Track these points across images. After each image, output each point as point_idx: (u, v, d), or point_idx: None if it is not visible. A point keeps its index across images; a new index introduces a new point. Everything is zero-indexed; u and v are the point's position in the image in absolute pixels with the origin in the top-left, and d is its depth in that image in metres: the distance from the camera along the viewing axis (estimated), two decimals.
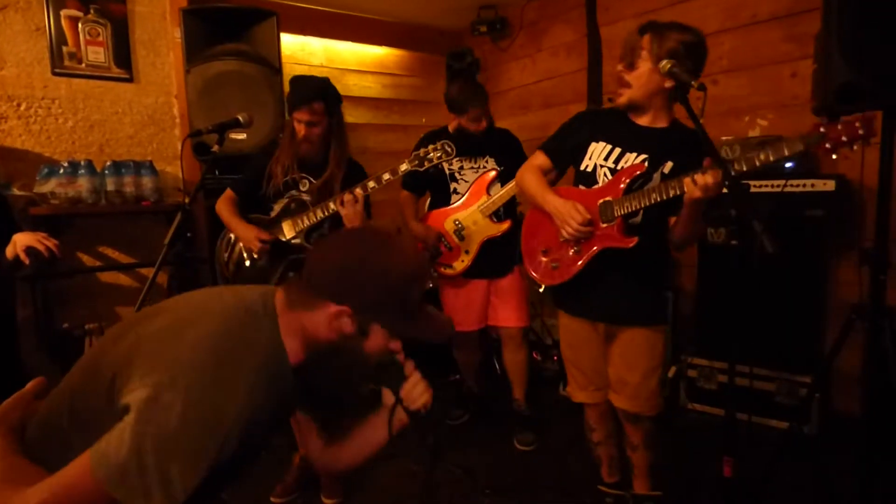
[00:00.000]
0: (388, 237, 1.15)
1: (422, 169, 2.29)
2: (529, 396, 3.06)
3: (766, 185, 2.67)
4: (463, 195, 2.91)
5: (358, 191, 2.22)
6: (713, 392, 2.92)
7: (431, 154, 2.27)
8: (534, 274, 2.10)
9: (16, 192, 2.88)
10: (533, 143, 3.56)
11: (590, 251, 1.92)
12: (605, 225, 1.89)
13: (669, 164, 1.88)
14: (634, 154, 1.90)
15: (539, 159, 2.11)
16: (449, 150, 2.27)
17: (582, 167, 2.00)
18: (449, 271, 2.92)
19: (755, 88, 3.08)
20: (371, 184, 2.24)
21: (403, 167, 2.26)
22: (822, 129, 1.54)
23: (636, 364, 1.97)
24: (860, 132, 1.51)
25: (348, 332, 1.08)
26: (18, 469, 0.99)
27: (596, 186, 1.95)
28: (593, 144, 1.98)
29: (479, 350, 3.25)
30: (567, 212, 1.90)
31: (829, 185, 2.56)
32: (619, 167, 1.91)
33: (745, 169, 1.64)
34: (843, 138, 1.52)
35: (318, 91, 2.32)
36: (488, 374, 3.58)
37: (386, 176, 2.24)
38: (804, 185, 2.60)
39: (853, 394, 2.62)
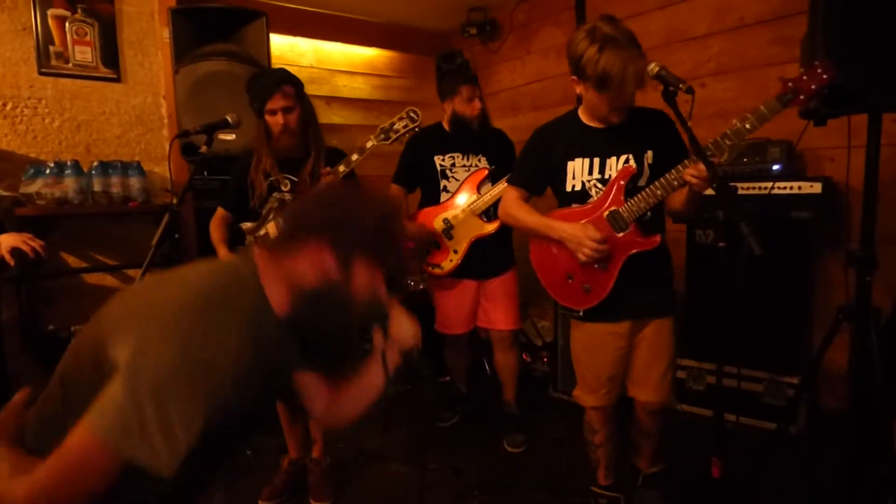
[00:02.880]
0: (359, 185, 1.21)
1: (388, 142, 2.23)
2: (519, 398, 3.06)
3: (754, 188, 2.69)
4: (453, 193, 2.90)
5: (329, 178, 2.17)
6: (701, 393, 2.94)
7: (397, 124, 2.22)
8: (565, 303, 2.05)
9: (1, 192, 2.85)
10: (523, 145, 3.57)
11: (617, 263, 1.92)
12: (620, 234, 1.90)
13: (650, 153, 1.91)
14: (615, 158, 1.92)
15: (513, 193, 2.11)
16: (414, 115, 2.22)
17: (568, 188, 2.00)
18: (437, 271, 2.91)
19: (742, 91, 3.10)
20: (341, 168, 2.20)
21: (370, 143, 2.21)
22: (790, 85, 1.62)
23: (662, 354, 2.02)
24: (824, 76, 1.58)
25: (332, 273, 1.07)
26: (26, 464, 0.97)
27: (592, 200, 1.96)
28: (570, 164, 1.98)
29: (468, 352, 3.25)
30: (580, 234, 1.88)
31: (816, 187, 2.58)
32: (606, 175, 1.93)
33: (735, 141, 1.68)
34: (813, 86, 1.59)
35: (283, 75, 2.29)
36: (478, 376, 3.58)
37: (354, 156, 2.19)
38: (791, 188, 2.62)
39: (840, 394, 2.64)
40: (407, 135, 2.25)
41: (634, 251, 1.90)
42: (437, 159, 2.91)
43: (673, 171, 1.77)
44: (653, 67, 1.67)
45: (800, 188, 2.61)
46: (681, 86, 1.61)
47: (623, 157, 1.91)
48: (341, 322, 1.14)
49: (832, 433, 2.54)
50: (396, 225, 1.15)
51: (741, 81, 3.11)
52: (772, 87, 2.91)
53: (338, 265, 1.07)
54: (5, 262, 1.99)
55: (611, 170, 1.92)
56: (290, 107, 2.24)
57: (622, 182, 1.89)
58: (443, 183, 2.92)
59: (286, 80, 2.25)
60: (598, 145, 1.94)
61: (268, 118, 2.26)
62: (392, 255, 1.13)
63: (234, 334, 0.97)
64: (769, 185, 2.63)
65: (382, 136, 2.21)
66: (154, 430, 0.88)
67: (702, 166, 1.64)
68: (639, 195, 1.85)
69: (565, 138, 2.00)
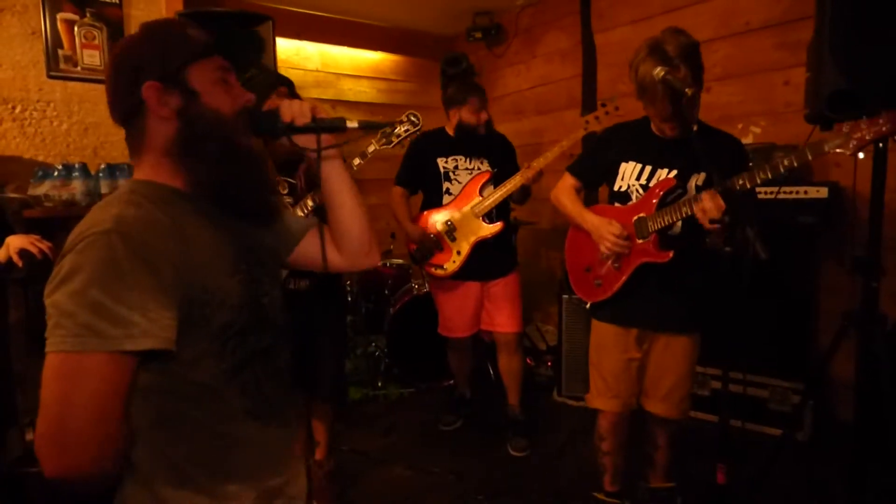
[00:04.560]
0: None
1: (391, 146, 2.21)
2: (523, 402, 3.06)
3: (760, 192, 2.67)
4: (455, 196, 2.91)
5: None
6: (706, 398, 2.93)
7: (398, 128, 2.21)
8: (578, 292, 2.16)
9: (10, 194, 2.87)
10: (527, 148, 3.59)
11: (630, 267, 1.97)
12: (640, 241, 1.94)
13: (702, 176, 1.91)
14: (666, 171, 1.94)
15: (569, 180, 2.18)
16: (415, 119, 2.21)
17: (616, 188, 2.05)
18: (440, 272, 2.92)
19: (748, 96, 3.10)
20: None
21: (371, 148, 2.20)
22: (844, 130, 1.56)
23: (670, 369, 2.03)
24: (883, 128, 1.52)
25: (173, 101, 0.97)
26: None
27: (630, 203, 2.00)
28: (623, 165, 2.02)
29: (472, 355, 3.24)
30: (604, 228, 1.98)
31: (822, 192, 2.57)
32: (650, 184, 1.96)
33: (769, 176, 1.66)
34: (868, 137, 1.54)
35: (275, 77, 2.30)
36: (482, 380, 3.58)
37: (356, 161, 2.19)
38: (797, 192, 2.61)
39: (846, 400, 2.63)
40: (408, 139, 2.26)
41: (646, 260, 1.94)
42: (440, 161, 2.92)
43: (705, 192, 1.76)
44: (658, 72, 1.67)
45: (806, 193, 2.60)
46: (686, 90, 1.61)
47: (673, 172, 1.93)
48: (232, 141, 1.02)
49: (838, 440, 2.53)
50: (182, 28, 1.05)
51: (746, 86, 3.10)
52: (777, 92, 2.96)
53: (174, 91, 0.97)
54: (13, 264, 2.00)
55: (657, 180, 1.96)
56: None
57: (659, 192, 1.92)
58: (445, 185, 2.93)
59: (280, 82, 2.26)
60: (653, 154, 1.97)
61: None
62: (203, 50, 1.01)
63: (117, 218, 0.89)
64: (775, 189, 2.62)
65: (384, 140, 2.21)
66: (112, 308, 0.81)
67: (706, 201, 1.67)
68: (666, 208, 1.87)
69: (628, 140, 2.04)
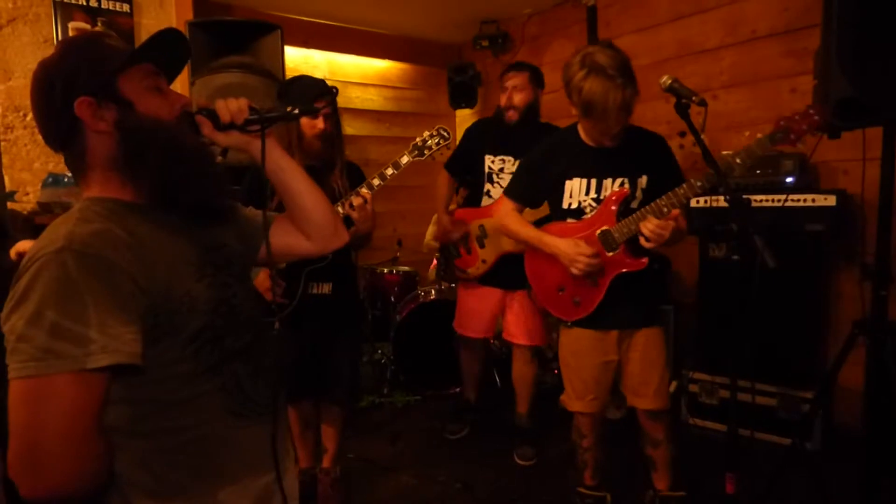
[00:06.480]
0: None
1: (423, 157, 2.26)
2: (532, 411, 3.03)
3: (767, 200, 2.67)
4: (494, 200, 2.84)
5: (364, 191, 2.17)
6: (715, 407, 2.91)
7: (429, 141, 2.26)
8: (555, 313, 2.12)
9: (20, 201, 2.89)
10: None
11: (606, 280, 1.98)
12: (610, 254, 1.95)
13: (644, 178, 1.98)
14: (610, 179, 1.98)
15: (509, 205, 2.18)
16: (445, 134, 2.26)
17: (565, 205, 2.05)
18: (464, 276, 2.91)
19: (754, 103, 3.10)
20: (376, 181, 2.19)
21: (404, 159, 2.23)
22: (782, 124, 1.69)
23: (656, 361, 2.05)
24: (815, 117, 1.65)
25: (109, 114, 0.95)
26: None
27: (586, 217, 2.01)
28: (568, 183, 2.03)
29: (482, 358, 3.23)
30: (572, 250, 1.95)
31: (830, 199, 2.56)
32: (601, 196, 1.98)
33: (731, 176, 1.77)
34: (804, 126, 1.66)
35: (325, 85, 2.32)
36: (488, 387, 3.56)
37: (389, 171, 2.21)
38: (805, 200, 2.60)
39: (855, 409, 2.61)
40: (439, 151, 2.29)
41: (623, 271, 1.96)
42: (488, 159, 2.86)
43: (664, 197, 1.83)
44: (665, 80, 1.68)
45: (814, 200, 2.59)
46: (693, 98, 1.62)
47: (619, 180, 1.97)
48: (180, 147, 1.00)
49: (848, 449, 2.51)
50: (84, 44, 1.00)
51: (753, 93, 3.10)
52: (784, 99, 2.95)
53: (107, 103, 0.95)
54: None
55: (606, 191, 1.98)
56: (329, 115, 2.28)
57: (615, 203, 1.95)
58: (486, 187, 2.88)
59: (327, 91, 2.29)
60: (595, 166, 1.99)
61: (306, 120, 2.23)
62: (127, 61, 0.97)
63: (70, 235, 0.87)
64: (783, 197, 2.62)
65: (416, 152, 2.26)
66: (70, 327, 0.79)
67: (651, 225, 1.78)
68: (629, 217, 1.90)
69: (565, 156, 2.05)
